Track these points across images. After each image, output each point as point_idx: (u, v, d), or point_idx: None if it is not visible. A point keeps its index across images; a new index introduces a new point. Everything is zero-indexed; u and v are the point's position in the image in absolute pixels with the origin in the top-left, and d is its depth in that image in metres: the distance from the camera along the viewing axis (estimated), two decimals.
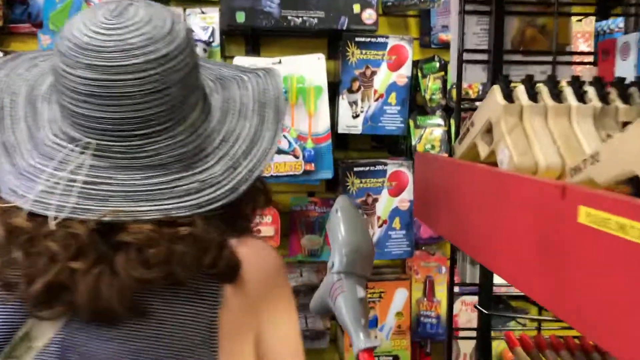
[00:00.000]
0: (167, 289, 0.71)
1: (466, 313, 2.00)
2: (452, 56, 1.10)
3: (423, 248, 2.01)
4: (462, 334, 1.60)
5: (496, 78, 0.99)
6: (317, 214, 1.99)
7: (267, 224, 1.89)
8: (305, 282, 2.02)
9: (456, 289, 2.01)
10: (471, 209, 0.79)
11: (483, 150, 0.81)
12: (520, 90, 0.75)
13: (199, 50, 1.88)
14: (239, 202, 0.75)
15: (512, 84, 0.78)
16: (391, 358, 1.93)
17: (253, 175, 0.74)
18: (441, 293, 1.97)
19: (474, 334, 1.43)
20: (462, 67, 1.06)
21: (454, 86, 1.89)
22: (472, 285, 1.40)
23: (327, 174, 1.74)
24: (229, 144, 0.75)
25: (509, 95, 0.75)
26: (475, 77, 1.06)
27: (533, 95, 0.74)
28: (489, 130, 0.79)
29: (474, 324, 2.05)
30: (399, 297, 1.91)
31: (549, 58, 1.03)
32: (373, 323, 1.91)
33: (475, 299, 1.99)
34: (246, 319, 0.75)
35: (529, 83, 0.74)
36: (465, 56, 1.08)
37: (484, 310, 1.18)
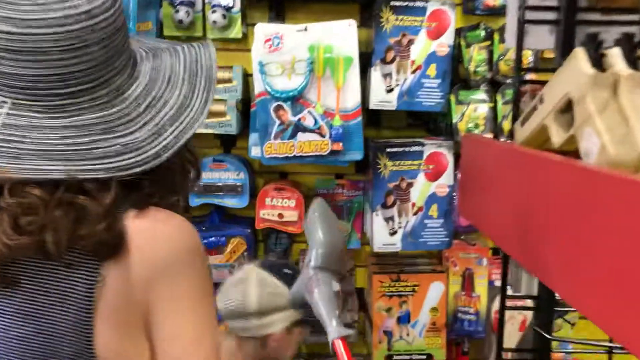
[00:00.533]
0: (40, 262, 0.68)
1: (507, 312, 1.81)
2: (510, 16, 0.90)
3: (462, 237, 1.81)
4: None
5: (568, 42, 0.78)
6: (345, 197, 1.82)
7: (290, 208, 1.73)
8: None
9: (498, 283, 1.82)
10: (539, 215, 0.60)
11: (558, 136, 0.62)
12: (615, 54, 0.55)
13: (217, 16, 1.71)
14: (165, 172, 0.74)
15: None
16: (425, 357, 1.76)
17: (179, 142, 0.72)
18: (481, 287, 1.79)
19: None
20: (524, 28, 0.85)
21: (502, 57, 1.68)
22: (528, 298, 1.20)
23: (357, 155, 1.56)
24: (155, 110, 0.73)
25: (598, 62, 0.56)
26: (539, 42, 0.85)
27: (633, 61, 0.54)
28: (566, 109, 0.59)
29: (516, 322, 1.87)
30: (434, 291, 1.73)
31: (636, 17, 0.81)
32: (405, 319, 1.74)
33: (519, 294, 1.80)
34: (131, 303, 0.70)
35: (628, 44, 0.54)
36: (527, 15, 0.87)
37: (545, 335, 0.99)
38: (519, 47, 0.85)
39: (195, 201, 1.73)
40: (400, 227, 1.60)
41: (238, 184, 1.73)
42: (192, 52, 0.81)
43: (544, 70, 0.87)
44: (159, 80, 0.76)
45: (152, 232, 0.71)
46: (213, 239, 1.73)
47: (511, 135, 1.17)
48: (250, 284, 1.22)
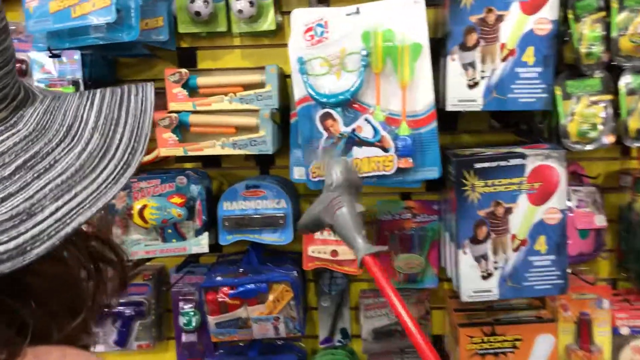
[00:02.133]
0: None
1: None
2: None
3: (570, 271, 1.39)
4: None
5: None
6: (415, 224, 1.47)
7: (339, 242, 1.35)
8: None
9: (625, 330, 1.40)
10: None
11: None
12: None
13: (244, 4, 1.36)
14: (56, 280, 0.49)
15: None
16: None
17: (67, 228, 0.44)
18: (603, 337, 1.37)
19: None
20: None
21: (624, 32, 1.26)
22: None
23: (433, 172, 1.21)
24: (32, 174, 0.47)
25: None
26: None
27: None
28: None
29: None
30: (543, 346, 1.34)
31: None
32: None
33: None
34: None
35: None
36: None
37: None
38: None
39: (226, 239, 1.39)
40: (496, 268, 1.21)
41: (279, 214, 1.38)
42: (117, 92, 0.57)
43: None
44: (51, 130, 0.51)
45: None
46: (251, 286, 1.37)
47: None
48: None
